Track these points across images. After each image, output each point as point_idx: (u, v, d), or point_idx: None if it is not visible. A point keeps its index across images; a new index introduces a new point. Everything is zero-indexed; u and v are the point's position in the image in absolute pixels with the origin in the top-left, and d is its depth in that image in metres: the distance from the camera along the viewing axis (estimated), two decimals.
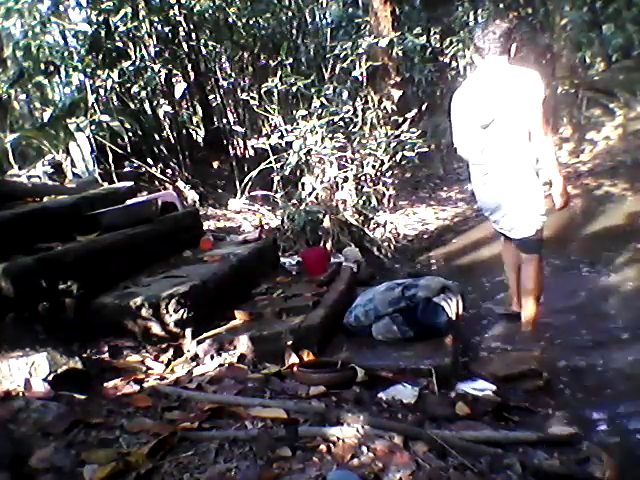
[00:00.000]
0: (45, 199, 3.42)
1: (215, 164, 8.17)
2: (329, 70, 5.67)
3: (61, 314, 2.30)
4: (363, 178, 4.99)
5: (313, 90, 5.24)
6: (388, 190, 5.27)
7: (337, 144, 4.80)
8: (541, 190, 2.64)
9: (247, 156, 7.93)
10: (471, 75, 2.74)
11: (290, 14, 7.49)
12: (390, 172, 5.20)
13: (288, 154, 4.99)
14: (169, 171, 6.72)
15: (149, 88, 6.71)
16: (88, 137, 5.57)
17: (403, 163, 5.27)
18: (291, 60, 6.55)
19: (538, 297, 2.75)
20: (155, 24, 6.68)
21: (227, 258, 3.01)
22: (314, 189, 4.83)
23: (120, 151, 6.06)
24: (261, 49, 7.27)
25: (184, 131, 7.91)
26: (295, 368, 2.10)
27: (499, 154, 2.60)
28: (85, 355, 2.14)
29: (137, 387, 1.90)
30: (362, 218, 4.82)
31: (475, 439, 1.61)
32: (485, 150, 2.64)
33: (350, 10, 9.14)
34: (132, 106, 7.03)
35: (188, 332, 2.36)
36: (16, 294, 2.17)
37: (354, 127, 5.07)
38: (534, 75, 2.49)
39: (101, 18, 6.20)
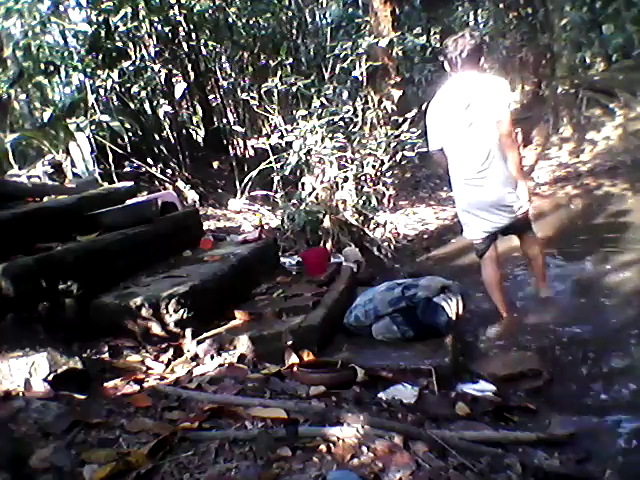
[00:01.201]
0: (45, 199, 3.42)
1: (215, 164, 8.16)
2: (329, 70, 5.66)
3: (61, 314, 2.30)
4: (363, 178, 4.98)
5: (313, 90, 5.24)
6: (388, 190, 5.27)
7: (337, 144, 4.79)
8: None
9: (247, 156, 7.93)
10: (444, 85, 2.90)
11: (290, 14, 7.48)
12: (390, 172, 5.20)
13: (288, 154, 4.99)
14: (169, 171, 6.71)
15: (149, 88, 6.72)
16: (88, 137, 5.58)
17: (403, 163, 5.27)
18: (291, 60, 6.56)
19: (546, 266, 3.14)
20: (155, 24, 6.68)
21: (227, 258, 3.01)
22: (314, 189, 4.82)
23: (120, 151, 6.06)
24: (261, 49, 7.27)
25: (184, 131, 7.92)
26: (295, 368, 2.10)
27: (481, 153, 2.74)
28: (85, 355, 2.14)
29: (137, 387, 1.90)
30: (362, 218, 4.81)
31: (475, 439, 1.61)
32: (469, 151, 2.78)
33: (350, 10, 9.14)
34: (132, 106, 7.03)
35: (188, 332, 2.36)
36: (16, 294, 2.18)
37: (354, 127, 5.07)
38: (502, 82, 2.73)
39: (101, 18, 6.20)
